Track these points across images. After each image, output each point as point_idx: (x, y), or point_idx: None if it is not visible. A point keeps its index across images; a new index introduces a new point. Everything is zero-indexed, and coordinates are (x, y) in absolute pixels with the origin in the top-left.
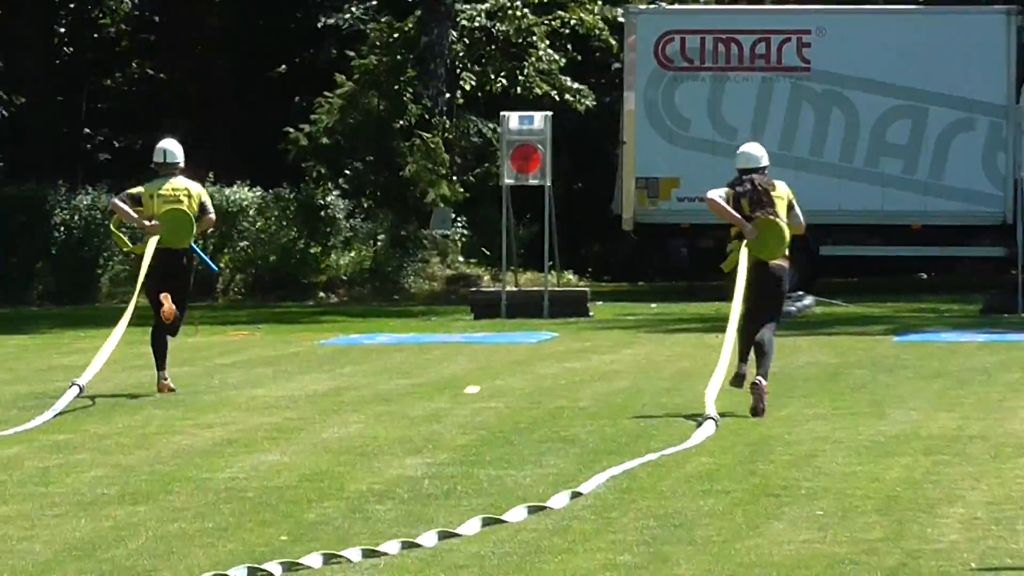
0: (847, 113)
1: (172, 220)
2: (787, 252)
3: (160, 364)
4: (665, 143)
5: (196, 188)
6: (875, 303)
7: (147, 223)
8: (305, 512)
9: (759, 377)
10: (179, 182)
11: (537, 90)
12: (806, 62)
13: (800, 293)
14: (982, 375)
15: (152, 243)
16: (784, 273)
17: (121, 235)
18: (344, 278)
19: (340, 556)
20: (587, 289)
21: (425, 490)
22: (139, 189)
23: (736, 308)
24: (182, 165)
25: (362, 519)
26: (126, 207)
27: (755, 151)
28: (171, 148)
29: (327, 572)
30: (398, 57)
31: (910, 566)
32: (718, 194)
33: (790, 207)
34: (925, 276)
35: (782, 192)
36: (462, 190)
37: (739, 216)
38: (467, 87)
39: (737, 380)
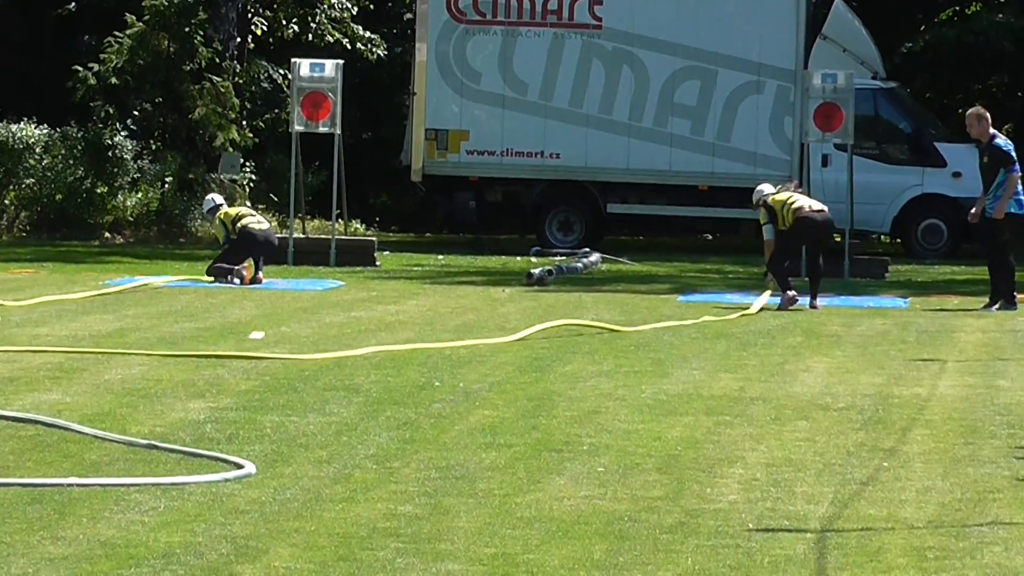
0: (637, 72)
1: None
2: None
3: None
4: (455, 95)
5: None
6: (660, 262)
7: None
8: (86, 452)
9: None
10: None
11: (329, 38)
12: (598, 19)
13: (586, 250)
14: (765, 337)
15: None
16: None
17: None
18: (130, 219)
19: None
20: (374, 239)
21: (207, 434)
22: None
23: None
24: None
25: (144, 461)
26: None
27: None
28: None
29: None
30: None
31: (689, 525)
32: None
33: None
34: (710, 237)
35: None
36: (251, 135)
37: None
38: (258, 32)
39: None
